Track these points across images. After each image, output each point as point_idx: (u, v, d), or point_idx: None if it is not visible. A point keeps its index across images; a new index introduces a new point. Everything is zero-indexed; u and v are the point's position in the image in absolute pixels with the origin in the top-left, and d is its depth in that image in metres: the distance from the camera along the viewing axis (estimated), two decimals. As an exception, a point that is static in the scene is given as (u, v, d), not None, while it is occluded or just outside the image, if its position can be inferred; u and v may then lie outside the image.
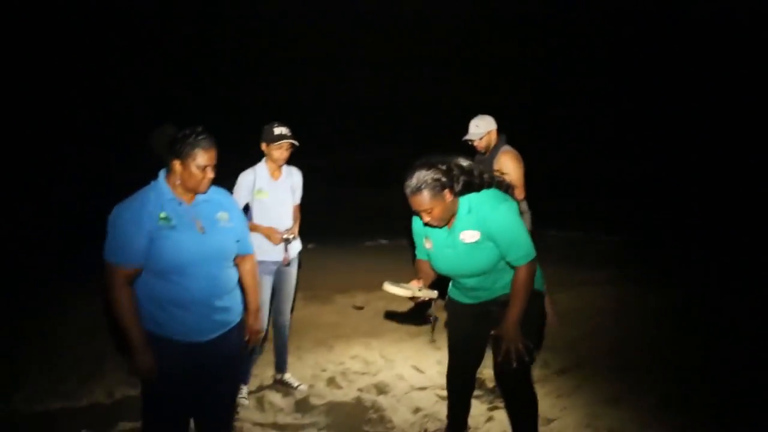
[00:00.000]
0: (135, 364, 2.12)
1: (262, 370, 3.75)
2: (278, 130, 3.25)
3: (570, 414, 3.04)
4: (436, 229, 2.43)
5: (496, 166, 3.85)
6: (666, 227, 7.95)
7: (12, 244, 7.33)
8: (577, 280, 5.45)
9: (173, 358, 2.18)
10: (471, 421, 2.89)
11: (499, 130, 3.91)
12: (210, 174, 2.18)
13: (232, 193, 3.07)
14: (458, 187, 2.33)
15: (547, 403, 3.13)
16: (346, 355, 4.00)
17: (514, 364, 2.35)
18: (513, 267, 2.36)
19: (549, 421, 2.95)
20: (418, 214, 2.36)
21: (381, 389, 3.42)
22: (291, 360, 3.68)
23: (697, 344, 3.92)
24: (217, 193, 2.36)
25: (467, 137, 3.94)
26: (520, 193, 3.81)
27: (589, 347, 3.95)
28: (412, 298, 2.42)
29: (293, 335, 4.12)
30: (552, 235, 7.71)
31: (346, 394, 3.37)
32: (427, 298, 2.43)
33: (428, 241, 2.50)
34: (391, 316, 4.66)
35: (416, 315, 2.47)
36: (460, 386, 2.78)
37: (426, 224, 2.37)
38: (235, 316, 2.38)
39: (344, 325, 4.62)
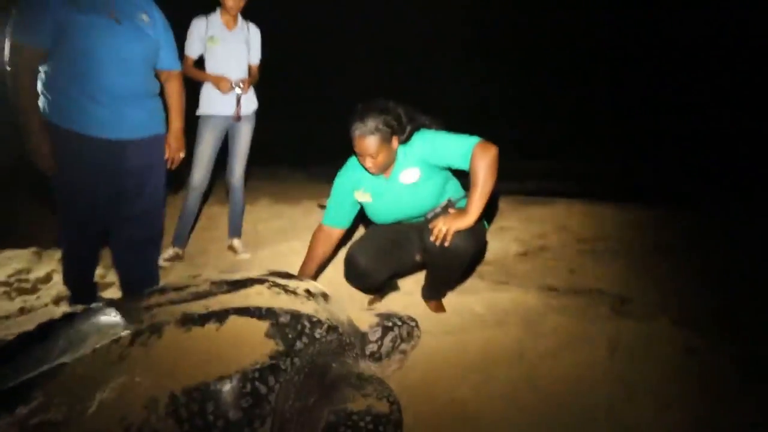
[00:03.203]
0: (31, 151, 2.00)
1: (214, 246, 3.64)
2: None
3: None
4: (373, 179, 2.29)
5: None
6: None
7: None
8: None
9: (86, 154, 2.07)
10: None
11: None
12: None
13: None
14: (404, 136, 2.21)
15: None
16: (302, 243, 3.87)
17: (446, 244, 2.12)
18: (468, 162, 2.12)
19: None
20: (358, 156, 2.22)
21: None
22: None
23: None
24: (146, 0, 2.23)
25: None
26: None
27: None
28: None
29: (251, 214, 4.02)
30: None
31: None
32: None
33: (364, 194, 2.34)
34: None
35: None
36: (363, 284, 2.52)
37: (367, 169, 2.23)
38: (154, 127, 2.27)
39: (306, 218, 4.50)
